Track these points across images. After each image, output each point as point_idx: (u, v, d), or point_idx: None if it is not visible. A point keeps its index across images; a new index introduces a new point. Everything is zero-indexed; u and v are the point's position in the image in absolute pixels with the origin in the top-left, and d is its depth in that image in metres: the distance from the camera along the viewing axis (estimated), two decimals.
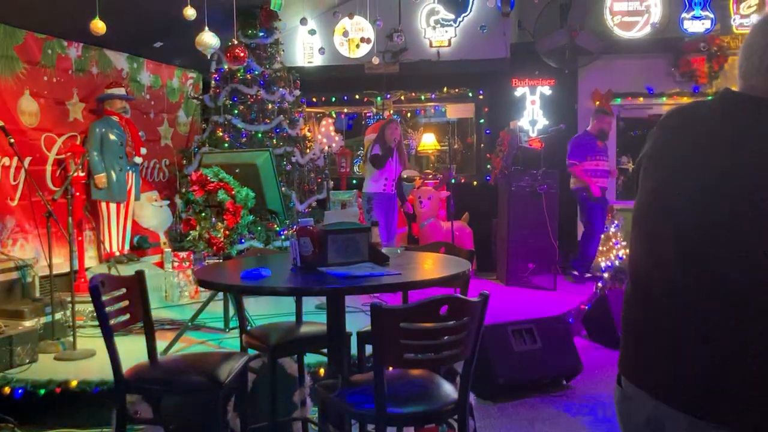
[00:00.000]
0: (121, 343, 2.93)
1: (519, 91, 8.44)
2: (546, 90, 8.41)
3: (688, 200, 1.47)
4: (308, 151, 8.09)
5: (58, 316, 5.01)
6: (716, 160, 1.44)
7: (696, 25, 7.98)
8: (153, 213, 7.46)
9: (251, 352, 3.55)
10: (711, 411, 1.39)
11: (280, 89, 7.79)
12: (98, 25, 4.74)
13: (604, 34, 8.13)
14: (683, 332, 1.44)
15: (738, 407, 1.36)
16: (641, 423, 1.50)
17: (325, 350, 3.42)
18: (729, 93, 1.53)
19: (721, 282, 1.39)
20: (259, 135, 7.54)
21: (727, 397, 1.37)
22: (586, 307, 6.24)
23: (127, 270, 5.91)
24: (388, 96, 9.08)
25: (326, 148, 8.46)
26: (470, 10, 8.68)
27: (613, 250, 7.49)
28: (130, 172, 6.93)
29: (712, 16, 7.93)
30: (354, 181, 9.16)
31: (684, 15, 8.01)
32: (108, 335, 2.79)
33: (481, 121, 9.07)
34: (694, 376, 1.41)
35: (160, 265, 6.82)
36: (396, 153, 7.04)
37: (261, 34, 7.74)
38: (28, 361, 4.51)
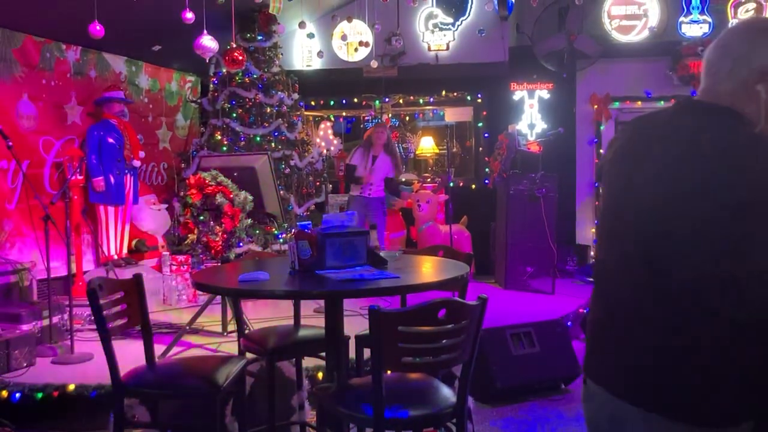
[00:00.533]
0: (119, 346, 2.92)
1: (517, 95, 8.45)
2: (544, 94, 8.41)
3: (612, 205, 1.58)
4: (307, 154, 8.09)
5: (55, 319, 5.00)
6: (635, 169, 1.51)
7: (694, 29, 7.99)
8: (151, 216, 7.46)
9: (249, 355, 3.54)
10: (661, 404, 1.43)
11: (279, 93, 7.79)
12: (96, 29, 4.74)
13: (602, 37, 8.14)
14: (628, 329, 1.49)
15: (685, 399, 1.40)
16: (604, 420, 1.54)
17: (324, 354, 3.42)
18: (687, 101, 1.54)
19: (654, 282, 1.44)
20: (258, 138, 7.54)
21: (674, 390, 1.41)
22: (585, 311, 6.24)
23: (125, 273, 5.90)
24: (387, 99, 9.09)
25: (325, 151, 8.47)
26: (469, 14, 8.69)
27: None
28: (129, 175, 6.93)
29: (709, 20, 7.94)
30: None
31: (682, 19, 8.02)
32: (105, 339, 2.78)
33: (480, 124, 9.07)
34: (643, 371, 1.46)
35: (158, 268, 6.81)
36: (380, 157, 7.08)
37: (259, 37, 7.75)
38: (25, 364, 4.50)
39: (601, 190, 1.84)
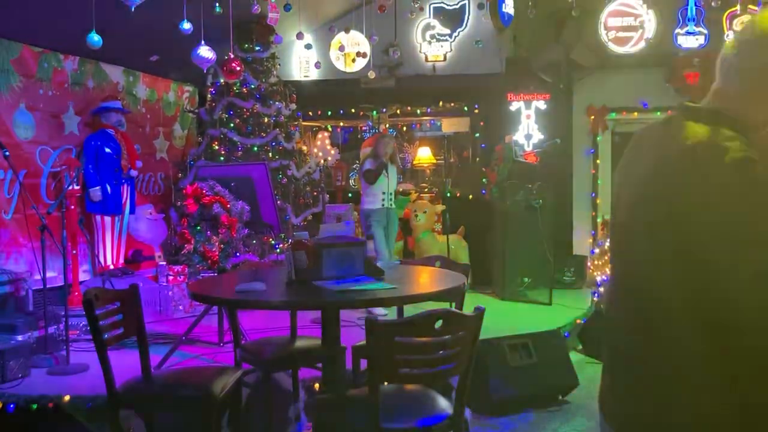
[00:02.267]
0: (115, 357, 2.91)
1: (514, 106, 8.47)
2: (541, 104, 8.44)
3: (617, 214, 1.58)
4: (304, 164, 8.10)
5: (51, 330, 4.97)
6: (624, 184, 1.52)
7: (690, 40, 8.02)
8: (148, 226, 7.44)
9: (246, 366, 3.53)
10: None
11: (276, 103, 7.80)
12: (94, 39, 4.74)
13: (598, 49, 8.17)
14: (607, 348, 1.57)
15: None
16: None
17: (320, 365, 3.41)
18: (681, 106, 1.52)
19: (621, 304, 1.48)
20: (255, 148, 7.54)
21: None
22: (582, 322, 6.23)
23: (121, 283, 5.89)
24: (384, 110, 9.11)
25: (322, 161, 8.47)
26: (466, 26, 8.73)
27: (609, 264, 7.48)
28: (125, 185, 6.92)
29: (705, 32, 7.98)
30: (350, 195, 9.15)
31: (678, 31, 8.06)
32: (101, 349, 2.77)
33: (477, 135, 9.09)
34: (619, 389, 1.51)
35: (155, 278, 6.79)
36: (389, 166, 6.95)
37: (257, 48, 7.77)
38: (20, 375, 4.47)
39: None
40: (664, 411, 1.35)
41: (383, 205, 6.83)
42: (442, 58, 8.77)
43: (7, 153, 4.90)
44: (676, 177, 1.33)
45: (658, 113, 8.57)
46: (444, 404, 2.64)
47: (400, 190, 8.86)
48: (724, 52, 1.46)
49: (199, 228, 6.04)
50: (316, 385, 4.11)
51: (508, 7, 7.49)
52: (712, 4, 6.99)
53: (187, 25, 5.29)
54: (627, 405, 1.46)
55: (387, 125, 9.22)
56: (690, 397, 1.31)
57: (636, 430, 1.43)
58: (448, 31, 8.75)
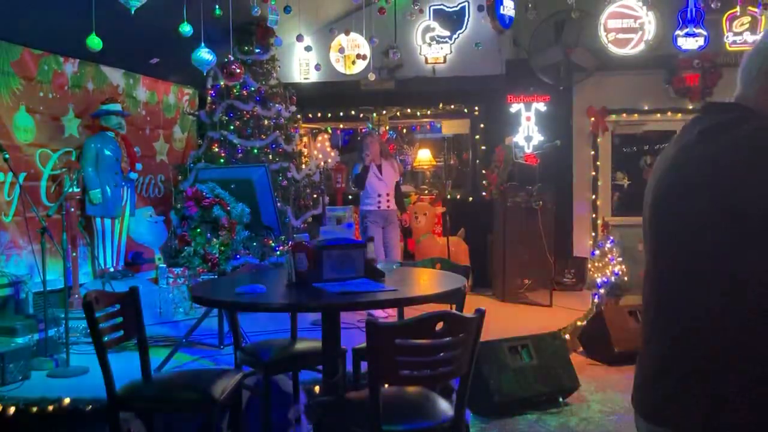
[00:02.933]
0: (115, 360, 2.90)
1: (514, 108, 8.46)
2: (541, 106, 8.43)
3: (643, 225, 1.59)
4: (304, 166, 8.09)
5: (51, 332, 4.97)
6: (654, 187, 1.51)
7: (690, 42, 8.02)
8: (148, 229, 7.44)
9: (246, 369, 3.53)
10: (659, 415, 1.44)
11: (276, 105, 7.80)
12: (94, 41, 4.74)
13: (598, 51, 8.18)
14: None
15: (680, 410, 1.39)
16: None
17: (321, 367, 3.40)
18: (706, 104, 1.53)
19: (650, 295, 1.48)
20: (255, 151, 7.54)
21: (672, 401, 1.41)
22: (583, 323, 6.23)
23: (121, 286, 5.88)
24: (384, 112, 9.11)
25: (322, 163, 8.47)
26: (466, 27, 8.73)
27: (609, 266, 7.48)
28: (125, 187, 6.92)
29: (705, 33, 7.98)
30: (350, 197, 9.15)
31: (678, 32, 8.06)
32: (101, 352, 2.77)
33: (477, 136, 9.09)
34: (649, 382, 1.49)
35: (155, 281, 6.79)
36: (383, 165, 6.78)
37: (257, 50, 7.77)
38: (20, 378, 4.46)
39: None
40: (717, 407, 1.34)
41: (379, 206, 6.70)
42: (442, 60, 8.78)
43: (7, 156, 4.90)
44: (708, 146, 1.35)
45: (658, 115, 8.58)
46: (445, 406, 2.64)
47: (408, 192, 8.84)
48: (745, 59, 1.50)
49: (199, 230, 6.02)
50: (317, 388, 4.10)
51: (507, 9, 7.49)
52: (712, 5, 7.00)
53: (186, 28, 5.29)
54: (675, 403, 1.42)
55: (387, 127, 9.22)
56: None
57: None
58: (448, 33, 8.76)
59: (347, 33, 7.91)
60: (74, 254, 6.14)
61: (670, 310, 1.41)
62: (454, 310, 3.16)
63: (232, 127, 7.57)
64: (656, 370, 1.44)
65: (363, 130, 9.30)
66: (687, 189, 1.36)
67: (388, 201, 6.73)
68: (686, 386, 1.36)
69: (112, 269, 6.74)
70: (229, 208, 5.99)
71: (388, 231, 6.70)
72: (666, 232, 1.43)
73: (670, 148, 1.49)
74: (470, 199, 8.99)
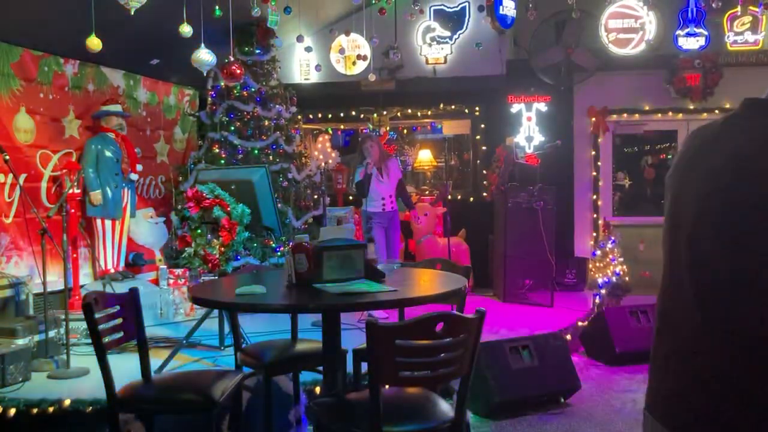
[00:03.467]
0: (116, 361, 2.90)
1: (515, 108, 8.46)
2: (542, 106, 8.43)
3: (668, 226, 1.45)
4: (305, 167, 8.09)
5: (51, 333, 4.97)
6: (685, 183, 1.42)
7: (690, 42, 8.02)
8: (149, 230, 7.44)
9: (246, 370, 3.52)
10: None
11: (277, 106, 7.80)
12: (94, 42, 4.74)
13: (599, 51, 8.17)
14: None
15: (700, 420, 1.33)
16: None
17: (321, 368, 3.40)
18: (748, 100, 1.43)
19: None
20: (256, 151, 7.54)
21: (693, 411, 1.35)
22: (584, 324, 6.22)
23: (122, 287, 5.88)
24: (384, 113, 9.10)
25: (322, 164, 8.46)
26: (466, 28, 8.73)
27: (610, 266, 7.48)
28: (126, 188, 6.91)
29: (706, 33, 7.97)
30: (351, 198, 9.14)
31: (678, 32, 8.06)
32: (101, 353, 2.76)
33: (478, 137, 9.09)
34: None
35: (156, 282, 6.78)
36: (383, 167, 6.79)
37: (257, 51, 7.77)
38: (20, 379, 4.46)
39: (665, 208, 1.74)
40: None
41: (384, 208, 6.75)
42: (442, 61, 8.77)
43: (8, 157, 4.90)
44: (759, 162, 1.26)
45: (659, 115, 8.57)
46: (445, 407, 2.63)
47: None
48: None
49: (199, 231, 6.02)
50: (317, 389, 4.10)
51: (507, 10, 7.49)
52: (713, 5, 6.99)
53: (187, 29, 5.28)
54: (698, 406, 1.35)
55: (387, 128, 9.22)
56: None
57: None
58: (448, 34, 8.75)
59: (347, 34, 7.90)
60: (74, 255, 6.14)
61: (734, 321, 1.30)
62: (454, 311, 3.15)
63: (232, 128, 7.57)
64: (705, 384, 1.33)
65: (364, 131, 9.30)
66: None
67: (391, 202, 6.81)
68: (748, 411, 1.27)
69: (112, 270, 6.74)
70: (229, 209, 5.99)
71: (391, 232, 6.80)
72: (735, 245, 1.29)
73: (712, 157, 1.37)
74: (471, 199, 8.98)
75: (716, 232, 1.30)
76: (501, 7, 7.43)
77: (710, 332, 1.32)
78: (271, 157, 7.58)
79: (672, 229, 1.45)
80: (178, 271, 6.37)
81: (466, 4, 8.71)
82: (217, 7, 5.53)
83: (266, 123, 7.68)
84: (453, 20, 8.76)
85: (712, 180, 1.33)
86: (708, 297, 1.33)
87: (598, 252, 7.92)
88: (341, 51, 8.44)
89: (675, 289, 1.41)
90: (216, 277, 5.67)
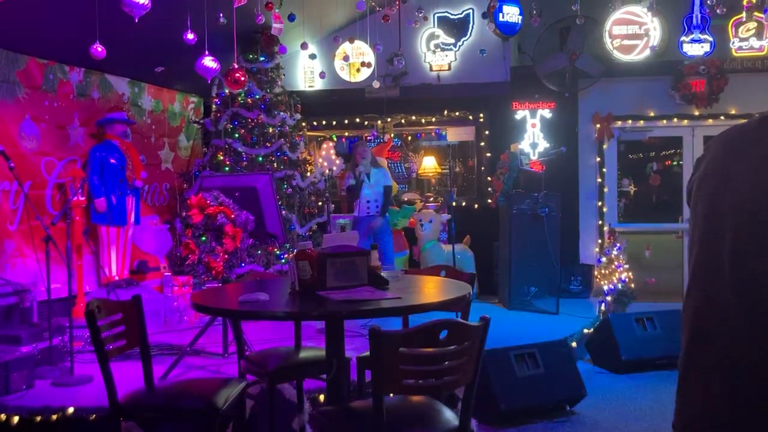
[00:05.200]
0: (120, 368, 2.89)
1: (519, 114, 8.45)
2: (546, 113, 8.42)
3: (705, 231, 1.36)
4: (309, 174, 8.09)
5: (56, 341, 4.96)
6: (723, 187, 1.34)
7: (695, 48, 8.00)
8: (153, 237, 7.44)
9: (250, 377, 3.50)
10: None
11: (281, 113, 7.81)
12: (98, 50, 4.76)
13: (603, 57, 8.16)
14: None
15: None
16: None
17: (325, 376, 3.38)
18: None
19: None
20: (260, 158, 7.54)
21: None
22: (590, 331, 6.18)
23: (126, 294, 5.87)
24: (388, 119, 9.11)
25: (327, 171, 8.46)
26: (470, 35, 8.73)
27: (616, 273, 7.44)
28: (130, 196, 6.92)
29: (711, 39, 7.96)
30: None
31: (683, 38, 8.04)
32: (103, 361, 2.76)
33: (482, 144, 9.07)
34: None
35: (160, 289, 6.78)
36: (372, 173, 6.96)
37: (262, 58, 7.78)
38: (24, 387, 4.45)
39: (691, 214, 1.63)
40: None
41: (368, 212, 6.90)
42: (446, 68, 8.78)
43: (12, 165, 4.90)
44: None
45: (664, 121, 8.55)
46: (449, 415, 2.61)
47: (405, 199, 8.84)
48: None
49: (203, 238, 6.02)
50: (321, 396, 4.08)
51: (508, 17, 7.49)
52: (718, 11, 6.97)
53: (191, 36, 5.29)
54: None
55: (392, 135, 9.22)
56: None
57: None
58: (452, 41, 8.76)
59: (352, 41, 7.91)
60: (79, 263, 6.14)
61: None
62: (459, 318, 3.13)
63: (237, 135, 7.58)
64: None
65: (368, 138, 9.31)
66: None
67: (377, 207, 6.90)
68: None
69: (116, 278, 6.74)
70: (233, 216, 5.99)
71: (380, 238, 6.86)
72: None
73: (755, 153, 1.31)
74: (476, 206, 8.97)
75: None
76: (501, 14, 7.44)
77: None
78: (275, 164, 7.58)
79: (709, 239, 1.34)
80: (182, 279, 6.36)
81: (470, 11, 8.72)
82: (221, 15, 5.55)
83: (270, 130, 7.69)
84: (457, 27, 8.76)
85: (758, 182, 1.25)
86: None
87: (604, 259, 7.89)
88: (345, 58, 8.46)
89: (715, 306, 1.31)
90: (220, 284, 5.66)
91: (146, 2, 4.44)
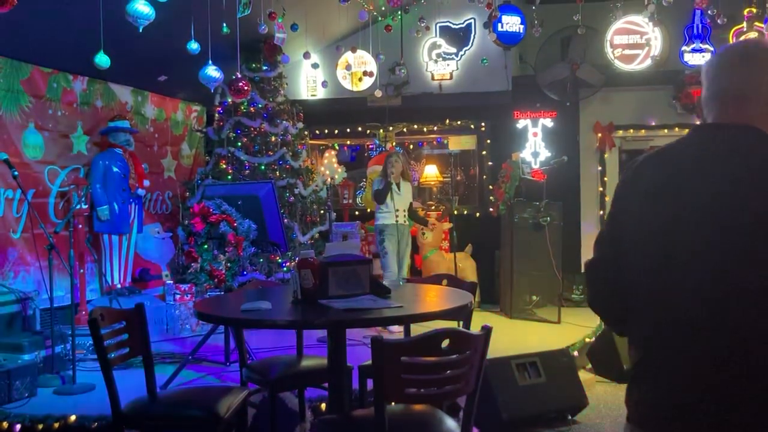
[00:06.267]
0: (122, 376, 2.90)
1: (521, 124, 8.48)
2: (548, 122, 8.44)
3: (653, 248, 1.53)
4: (311, 182, 8.11)
5: (58, 349, 4.97)
6: (690, 189, 1.46)
7: (696, 57, 8.03)
8: (155, 245, 7.45)
9: (252, 386, 3.51)
10: None
11: (284, 122, 7.84)
12: (102, 59, 4.78)
13: (605, 67, 8.19)
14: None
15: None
16: None
17: (326, 384, 3.38)
18: (704, 125, 1.53)
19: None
20: (262, 167, 7.56)
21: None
22: (591, 340, 6.17)
23: (128, 302, 5.88)
24: (390, 128, 9.13)
25: (329, 179, 8.48)
26: (472, 44, 8.77)
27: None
28: (133, 204, 6.94)
29: (712, 49, 7.98)
30: (356, 213, 9.16)
31: (684, 48, 8.07)
32: (106, 369, 2.76)
33: (484, 152, 9.09)
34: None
35: (162, 297, 6.79)
36: (402, 184, 6.96)
37: (264, 67, 7.82)
38: (26, 395, 4.46)
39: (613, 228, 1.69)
40: None
41: (396, 221, 6.87)
42: (448, 77, 8.81)
43: (16, 173, 4.93)
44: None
45: (665, 131, 8.56)
46: (451, 425, 2.61)
47: (417, 208, 8.84)
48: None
49: (206, 247, 6.04)
50: (323, 405, 4.08)
51: (509, 26, 7.52)
52: (719, 21, 7.00)
53: (194, 45, 5.32)
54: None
55: (394, 143, 9.24)
56: None
57: None
58: (454, 50, 8.80)
59: (354, 50, 7.95)
60: (81, 271, 6.15)
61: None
62: (460, 327, 3.14)
63: (239, 144, 7.60)
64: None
65: (370, 146, 9.34)
66: None
67: (404, 216, 6.91)
68: None
69: (119, 286, 6.75)
70: (235, 224, 6.01)
71: (402, 246, 6.84)
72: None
73: (715, 166, 1.44)
74: (477, 215, 8.98)
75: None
76: (500, 24, 7.47)
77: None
78: (277, 173, 7.60)
79: (670, 244, 1.48)
80: (185, 287, 6.37)
81: (472, 20, 8.75)
82: (224, 24, 5.58)
83: (273, 139, 7.71)
84: (459, 37, 8.80)
85: (720, 194, 1.40)
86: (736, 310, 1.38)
87: None
88: (348, 67, 8.49)
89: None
90: (222, 293, 5.68)
91: (150, 12, 4.47)
